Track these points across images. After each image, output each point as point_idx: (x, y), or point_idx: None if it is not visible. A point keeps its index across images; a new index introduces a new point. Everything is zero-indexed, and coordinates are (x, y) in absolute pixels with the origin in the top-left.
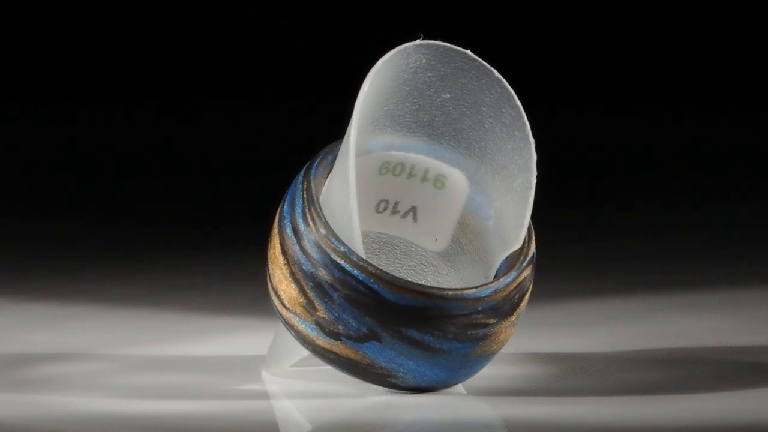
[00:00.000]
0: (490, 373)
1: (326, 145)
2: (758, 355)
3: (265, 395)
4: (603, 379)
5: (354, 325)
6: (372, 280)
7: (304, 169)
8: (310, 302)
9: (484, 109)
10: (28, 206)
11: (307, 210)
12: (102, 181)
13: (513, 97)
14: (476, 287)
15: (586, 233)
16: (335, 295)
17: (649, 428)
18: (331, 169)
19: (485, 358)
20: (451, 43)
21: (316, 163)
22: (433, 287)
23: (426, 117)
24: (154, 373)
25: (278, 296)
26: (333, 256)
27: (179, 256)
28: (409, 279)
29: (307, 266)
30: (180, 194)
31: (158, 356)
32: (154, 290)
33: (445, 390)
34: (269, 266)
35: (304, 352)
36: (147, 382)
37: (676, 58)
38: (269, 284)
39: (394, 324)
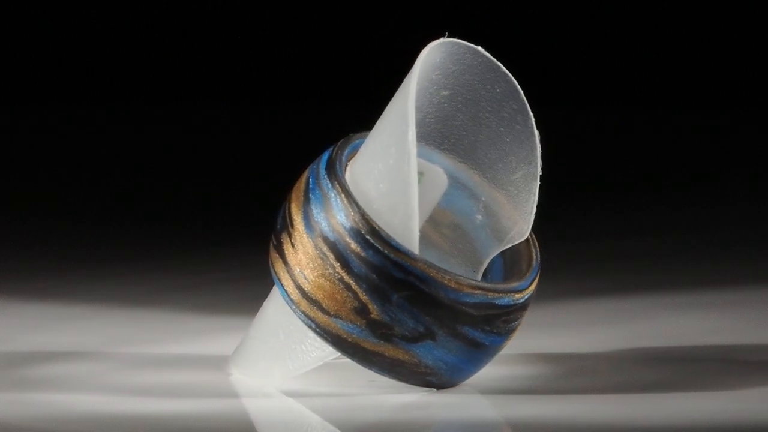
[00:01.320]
0: (490, 372)
1: (322, 147)
2: (758, 355)
3: (265, 395)
4: (602, 378)
5: (410, 325)
6: (433, 278)
7: (322, 169)
8: (362, 305)
9: (483, 103)
10: (27, 206)
11: (354, 213)
12: (101, 182)
13: (518, 91)
14: (518, 281)
15: (586, 233)
16: (394, 296)
17: (649, 428)
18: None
19: (500, 352)
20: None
21: (337, 164)
22: (487, 283)
23: (419, 115)
24: (154, 373)
25: (314, 302)
26: (393, 256)
27: (178, 257)
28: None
29: (360, 269)
30: (180, 194)
31: (158, 356)
32: (153, 290)
33: (444, 390)
34: (296, 274)
35: (322, 359)
36: (146, 381)
37: (675, 57)
38: (295, 292)
39: (452, 321)
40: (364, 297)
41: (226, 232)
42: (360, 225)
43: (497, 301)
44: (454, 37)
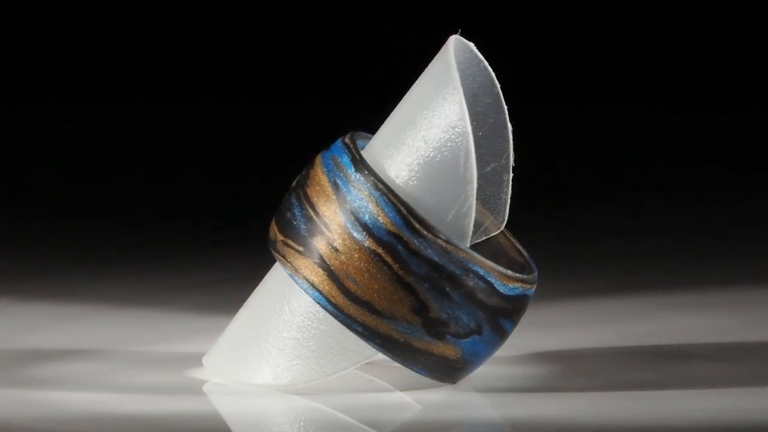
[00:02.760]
0: (490, 372)
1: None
2: (758, 355)
3: (267, 394)
4: (602, 378)
5: (465, 321)
6: (490, 274)
7: (351, 170)
8: (421, 304)
9: None
10: (28, 206)
11: (406, 212)
12: (101, 181)
13: (494, 84)
14: (531, 274)
15: (586, 233)
16: (455, 294)
17: (649, 427)
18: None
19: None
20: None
21: (366, 163)
22: (524, 276)
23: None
24: (154, 373)
25: (364, 304)
26: (455, 254)
27: (178, 257)
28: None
29: (421, 268)
30: (180, 194)
31: (158, 356)
32: (153, 290)
33: (443, 389)
34: (343, 278)
35: (354, 364)
36: (147, 381)
37: (673, 57)
38: (339, 297)
39: (498, 315)
40: (424, 296)
41: (226, 231)
42: (418, 224)
43: (528, 293)
44: (452, 35)
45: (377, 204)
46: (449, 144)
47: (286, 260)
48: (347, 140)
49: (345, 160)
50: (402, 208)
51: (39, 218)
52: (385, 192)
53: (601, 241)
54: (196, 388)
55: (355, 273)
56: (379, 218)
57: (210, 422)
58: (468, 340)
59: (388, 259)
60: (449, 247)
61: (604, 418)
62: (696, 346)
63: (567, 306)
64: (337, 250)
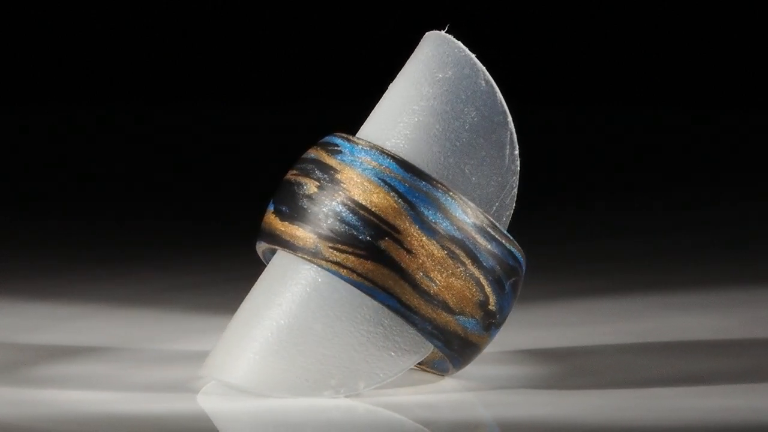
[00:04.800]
0: (489, 372)
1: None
2: (758, 355)
3: (267, 394)
4: (602, 377)
5: (506, 312)
6: (524, 263)
7: (404, 172)
8: (485, 297)
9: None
10: (28, 206)
11: (471, 210)
12: (101, 181)
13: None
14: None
15: (586, 233)
16: (506, 284)
17: (648, 426)
18: None
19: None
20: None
21: (411, 166)
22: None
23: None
24: (154, 373)
25: (439, 303)
26: (508, 245)
27: (178, 256)
28: None
29: (488, 262)
30: (180, 194)
31: (158, 356)
32: (153, 290)
33: (443, 389)
34: (419, 279)
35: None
36: (147, 381)
37: (671, 56)
38: (414, 297)
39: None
40: (488, 289)
41: (226, 231)
42: (482, 220)
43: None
44: (454, 35)
45: (441, 203)
46: (493, 137)
47: (341, 266)
48: (368, 145)
49: (393, 166)
50: (467, 205)
51: (39, 218)
52: (447, 191)
53: (601, 241)
54: (197, 389)
55: (433, 272)
56: (448, 216)
57: (210, 422)
58: (498, 330)
59: (462, 255)
60: (505, 240)
61: (604, 418)
62: (696, 346)
63: (567, 306)
64: (411, 252)
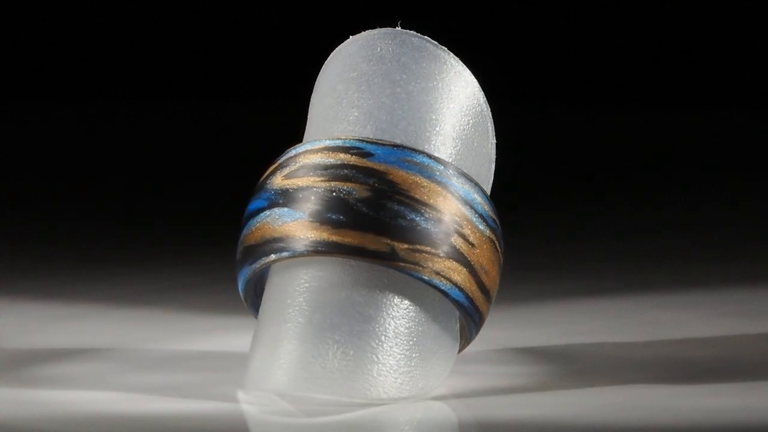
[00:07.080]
0: (489, 372)
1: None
2: (758, 354)
3: (257, 395)
4: (601, 377)
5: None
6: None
7: (437, 165)
8: (500, 281)
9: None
10: (28, 206)
11: (483, 200)
12: (102, 181)
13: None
14: None
15: (586, 233)
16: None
17: (647, 426)
18: None
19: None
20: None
21: (436, 157)
22: None
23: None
24: (154, 373)
25: (489, 295)
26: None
27: (179, 256)
28: None
29: (503, 247)
30: (180, 194)
31: (158, 356)
32: (154, 290)
33: (441, 390)
34: (480, 273)
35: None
36: (147, 381)
37: (670, 56)
38: (477, 293)
39: None
40: (501, 272)
41: (226, 231)
42: (490, 208)
43: None
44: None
45: (473, 195)
46: (473, 121)
47: (420, 266)
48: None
49: (420, 158)
50: (485, 194)
51: (39, 218)
52: (475, 184)
53: (601, 241)
54: (197, 389)
55: (488, 265)
56: (484, 206)
57: (210, 422)
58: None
59: (497, 244)
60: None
61: (604, 418)
62: (696, 346)
63: (566, 306)
64: (474, 245)
